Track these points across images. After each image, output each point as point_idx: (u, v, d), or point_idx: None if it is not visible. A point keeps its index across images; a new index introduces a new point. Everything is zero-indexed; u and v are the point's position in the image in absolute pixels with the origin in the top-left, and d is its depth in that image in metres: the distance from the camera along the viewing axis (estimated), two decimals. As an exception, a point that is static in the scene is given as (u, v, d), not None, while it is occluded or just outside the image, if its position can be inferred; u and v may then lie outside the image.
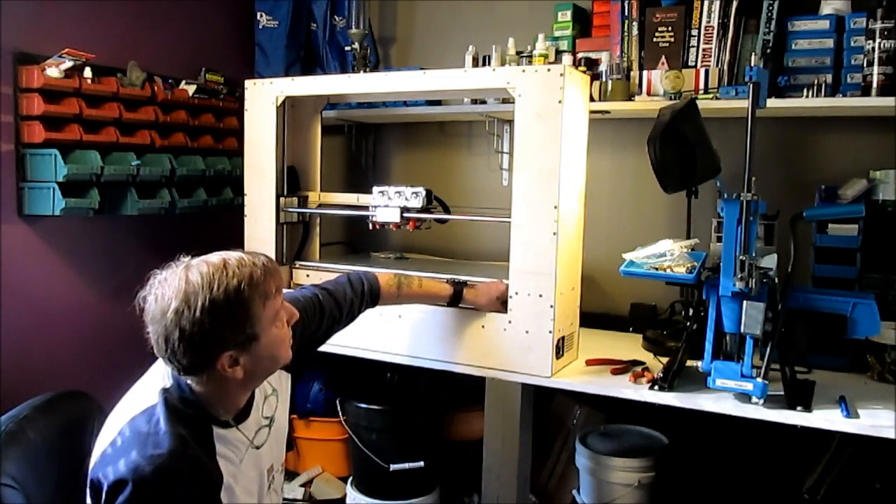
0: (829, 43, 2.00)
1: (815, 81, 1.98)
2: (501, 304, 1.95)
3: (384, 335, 2.10)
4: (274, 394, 1.47)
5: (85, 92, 2.20)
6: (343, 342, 2.15)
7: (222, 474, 1.25)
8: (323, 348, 2.18)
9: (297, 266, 2.36)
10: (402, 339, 2.08)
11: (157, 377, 1.31)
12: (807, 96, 1.99)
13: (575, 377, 1.91)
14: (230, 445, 1.31)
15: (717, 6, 2.11)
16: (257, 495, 1.39)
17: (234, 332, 1.21)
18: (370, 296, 1.75)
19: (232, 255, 1.25)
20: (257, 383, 1.35)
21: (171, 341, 1.18)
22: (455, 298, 1.96)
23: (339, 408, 2.53)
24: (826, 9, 2.03)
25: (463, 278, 2.01)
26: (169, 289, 1.19)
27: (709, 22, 2.13)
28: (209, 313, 1.17)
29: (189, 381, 1.26)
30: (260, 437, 1.39)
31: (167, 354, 1.20)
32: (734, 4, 2.09)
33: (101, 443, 1.25)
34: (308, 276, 2.28)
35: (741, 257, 1.62)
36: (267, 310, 1.25)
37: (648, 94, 2.18)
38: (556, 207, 1.82)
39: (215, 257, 1.24)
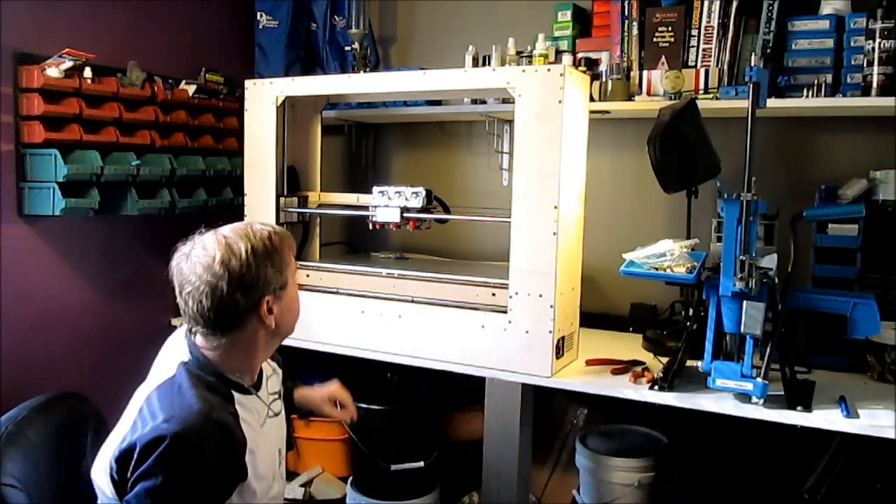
0: (829, 43, 2.00)
1: (815, 81, 1.98)
2: (333, 406, 1.76)
3: (384, 335, 2.10)
4: (275, 374, 1.53)
5: (85, 92, 2.20)
6: (343, 342, 2.16)
7: (246, 438, 1.29)
8: (323, 348, 2.20)
9: (297, 266, 2.35)
10: (402, 339, 2.08)
11: (172, 355, 1.35)
12: (807, 96, 1.99)
13: (575, 377, 1.91)
14: (251, 412, 1.35)
15: (717, 6, 2.11)
16: (273, 470, 1.42)
17: (275, 274, 1.32)
18: None
19: (249, 221, 1.38)
20: (279, 342, 1.42)
21: (220, 289, 1.25)
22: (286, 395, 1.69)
23: (338, 408, 2.52)
24: (826, 9, 2.03)
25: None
26: (205, 248, 1.28)
27: (709, 22, 2.13)
28: (253, 256, 1.28)
29: (208, 352, 1.32)
30: (276, 407, 1.45)
31: (210, 307, 1.26)
32: (734, 4, 2.09)
33: (125, 421, 1.28)
34: (308, 276, 2.28)
35: (741, 257, 1.62)
36: (291, 260, 1.38)
37: (648, 94, 2.18)
38: (556, 207, 1.82)
39: (235, 223, 1.36)
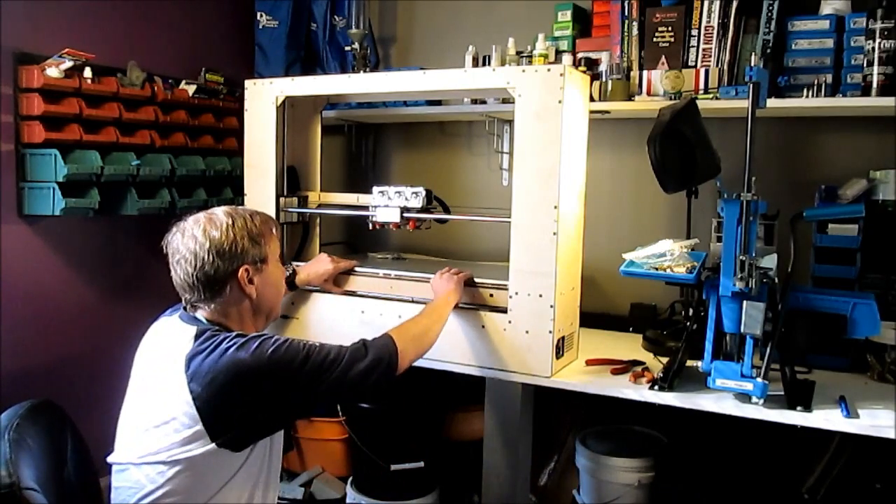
0: (829, 43, 2.00)
1: (815, 81, 1.98)
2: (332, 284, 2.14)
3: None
4: None
5: (85, 92, 2.20)
6: (343, 342, 2.16)
7: None
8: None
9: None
10: (402, 339, 2.07)
11: (172, 343, 1.44)
12: (807, 96, 1.99)
13: (575, 377, 1.91)
14: None
15: (717, 6, 2.11)
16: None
17: (253, 246, 1.48)
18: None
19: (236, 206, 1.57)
20: (264, 315, 1.56)
21: (202, 255, 1.43)
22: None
23: (338, 408, 2.53)
24: (826, 9, 2.03)
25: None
26: (194, 223, 1.47)
27: (709, 22, 2.13)
28: (233, 229, 1.46)
29: (207, 316, 1.47)
30: None
31: (196, 273, 1.43)
32: (734, 4, 2.09)
33: (158, 402, 1.39)
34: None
35: (741, 257, 1.62)
36: (272, 241, 1.54)
37: (648, 94, 2.18)
38: (556, 207, 1.82)
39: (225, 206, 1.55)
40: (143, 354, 1.52)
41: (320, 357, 1.42)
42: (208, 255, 1.43)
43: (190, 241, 1.45)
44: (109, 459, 1.44)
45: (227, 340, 1.37)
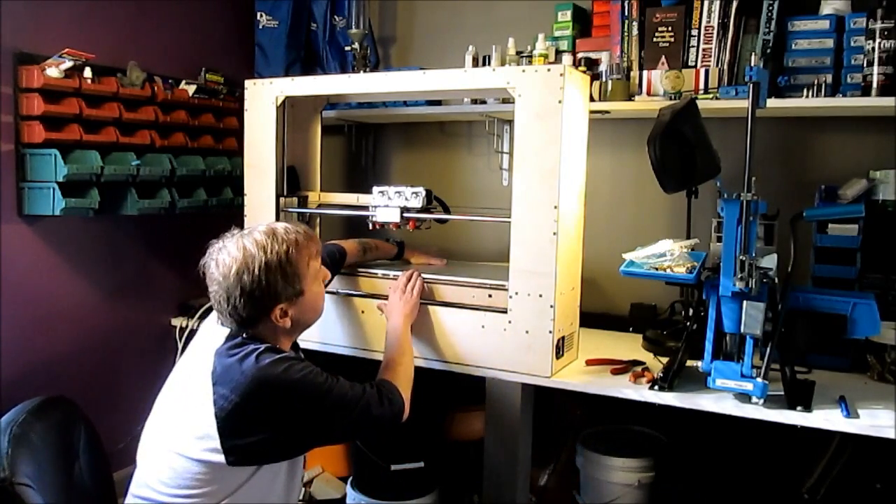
0: (829, 43, 2.00)
1: (815, 81, 1.98)
2: (433, 257, 2.32)
3: (385, 335, 2.09)
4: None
5: (85, 92, 2.20)
6: (344, 342, 2.16)
7: None
8: (324, 348, 2.20)
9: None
10: (402, 339, 2.07)
11: (206, 348, 1.45)
12: (807, 96, 1.99)
13: (575, 377, 1.91)
14: None
15: (717, 6, 2.11)
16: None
17: (286, 287, 1.44)
18: (341, 260, 2.05)
19: (279, 225, 1.50)
20: (300, 332, 1.56)
21: (233, 297, 1.40)
22: (399, 254, 2.31)
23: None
24: (826, 9, 2.03)
25: (400, 240, 2.34)
26: (228, 256, 1.42)
27: (709, 22, 2.13)
28: (265, 272, 1.40)
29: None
30: None
31: (228, 309, 1.41)
32: (734, 4, 2.09)
33: (188, 400, 1.41)
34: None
35: (741, 257, 1.62)
36: (311, 269, 1.50)
37: (648, 94, 2.18)
38: (556, 207, 1.82)
39: (264, 226, 1.48)
40: (193, 343, 1.57)
41: (342, 392, 1.44)
42: (239, 298, 1.40)
43: (223, 276, 1.41)
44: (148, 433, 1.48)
45: (258, 352, 1.38)
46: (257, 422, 1.35)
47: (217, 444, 1.34)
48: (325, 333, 2.17)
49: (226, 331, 1.46)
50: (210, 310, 1.54)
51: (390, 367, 1.72)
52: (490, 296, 1.97)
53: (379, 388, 1.55)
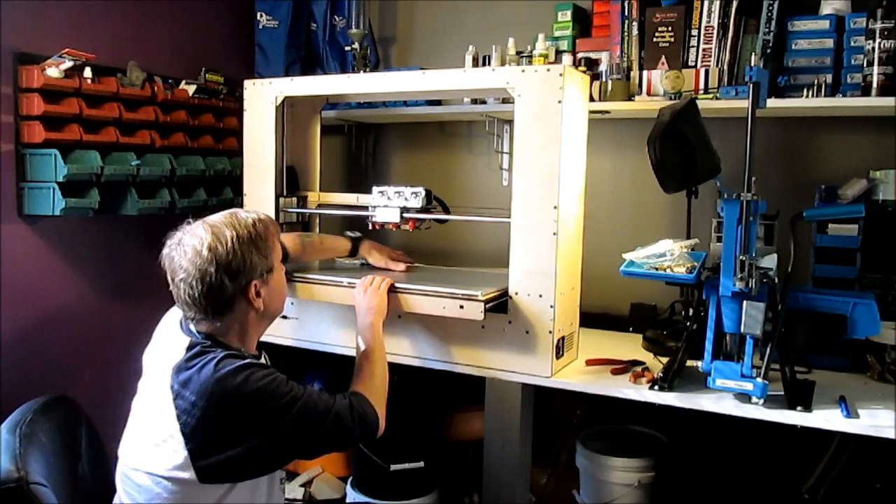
0: (829, 43, 2.00)
1: (815, 81, 1.98)
2: (391, 261, 2.17)
3: (384, 335, 2.09)
4: (264, 358, 1.58)
5: (85, 92, 2.20)
6: (344, 342, 2.16)
7: None
8: (323, 348, 2.20)
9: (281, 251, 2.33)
10: (402, 339, 2.07)
11: (167, 357, 1.40)
12: (807, 96, 1.99)
13: (575, 377, 1.91)
14: None
15: (717, 6, 2.11)
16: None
17: (260, 259, 1.41)
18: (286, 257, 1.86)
19: (236, 209, 1.48)
20: (268, 323, 1.52)
21: (209, 276, 1.35)
22: (353, 251, 2.19)
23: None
24: (826, 9, 2.03)
25: (358, 234, 2.22)
26: (195, 238, 1.37)
27: (709, 22, 2.13)
28: (238, 244, 1.37)
29: (205, 330, 1.41)
30: None
31: (201, 293, 1.35)
32: (734, 4, 2.09)
33: (151, 410, 1.36)
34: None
35: (741, 257, 1.62)
36: (276, 244, 1.48)
37: (648, 94, 2.18)
38: (556, 207, 1.82)
39: (221, 213, 1.45)
40: (150, 350, 1.53)
41: (309, 403, 1.38)
42: (216, 275, 1.35)
43: (194, 257, 1.36)
44: (120, 454, 1.44)
45: (216, 360, 1.32)
46: (222, 436, 1.31)
47: (186, 461, 1.30)
48: (325, 333, 2.17)
49: (183, 343, 1.39)
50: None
51: (362, 376, 1.65)
52: (462, 307, 1.83)
53: (351, 400, 1.49)
